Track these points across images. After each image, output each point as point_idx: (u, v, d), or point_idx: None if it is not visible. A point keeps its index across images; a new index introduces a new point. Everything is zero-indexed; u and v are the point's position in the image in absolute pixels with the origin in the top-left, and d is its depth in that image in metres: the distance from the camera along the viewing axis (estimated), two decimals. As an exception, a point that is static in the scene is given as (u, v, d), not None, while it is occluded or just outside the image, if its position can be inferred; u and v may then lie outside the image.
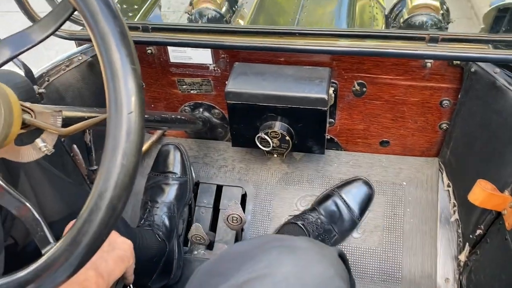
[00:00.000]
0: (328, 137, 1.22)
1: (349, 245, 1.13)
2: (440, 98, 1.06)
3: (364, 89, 1.08)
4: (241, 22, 1.62)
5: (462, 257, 1.02)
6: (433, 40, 0.89)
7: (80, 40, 1.08)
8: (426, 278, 1.07)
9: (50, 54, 2.49)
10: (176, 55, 1.13)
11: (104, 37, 0.44)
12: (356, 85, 1.08)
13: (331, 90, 1.02)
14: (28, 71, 0.88)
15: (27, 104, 0.55)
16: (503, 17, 1.06)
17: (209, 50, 1.09)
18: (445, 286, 1.05)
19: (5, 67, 0.55)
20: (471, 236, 0.98)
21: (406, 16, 1.36)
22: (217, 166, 1.28)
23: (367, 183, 1.16)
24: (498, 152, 0.89)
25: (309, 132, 1.07)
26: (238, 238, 1.16)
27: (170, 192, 1.13)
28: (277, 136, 1.06)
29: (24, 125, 0.54)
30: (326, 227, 1.08)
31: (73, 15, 0.49)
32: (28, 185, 0.72)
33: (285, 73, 1.04)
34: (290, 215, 1.16)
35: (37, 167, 0.75)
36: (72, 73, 1.05)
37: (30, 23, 0.51)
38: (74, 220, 0.45)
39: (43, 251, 0.46)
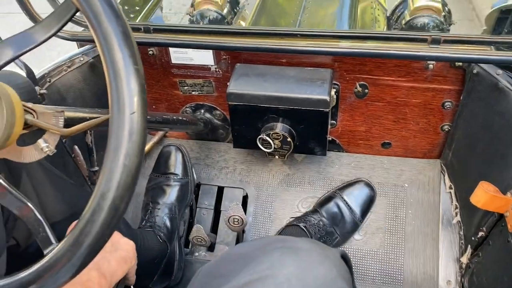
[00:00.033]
0: (330, 138, 1.22)
1: (351, 247, 1.13)
2: (442, 100, 1.06)
3: (366, 90, 1.08)
4: (243, 24, 1.62)
5: (464, 259, 1.02)
6: (435, 41, 0.89)
7: (81, 41, 1.08)
8: (428, 280, 1.06)
9: (52, 55, 2.49)
10: (178, 56, 1.13)
11: (107, 37, 0.44)
12: (358, 86, 1.08)
13: (333, 92, 1.02)
14: (29, 72, 0.88)
15: (29, 104, 0.55)
16: (505, 19, 1.06)
17: (211, 51, 1.09)
18: (447, 288, 1.05)
19: (7, 68, 0.54)
20: (473, 238, 0.97)
21: (407, 18, 1.36)
22: (218, 167, 1.28)
23: (368, 185, 1.15)
24: (501, 154, 0.89)
25: (310, 133, 1.07)
26: (239, 239, 1.16)
27: (172, 193, 1.13)
28: (279, 137, 1.06)
29: (26, 125, 0.54)
30: (328, 229, 1.08)
31: (75, 16, 0.49)
32: (30, 185, 0.72)
33: (287, 74, 1.04)
34: (292, 217, 1.16)
35: (39, 168, 0.75)
36: (73, 74, 1.05)
37: (32, 24, 0.51)
38: (76, 221, 0.45)
39: (45, 252, 0.46)
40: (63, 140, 0.99)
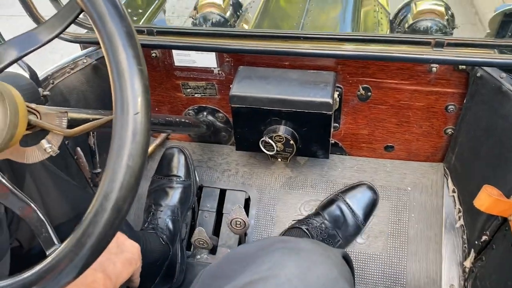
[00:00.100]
0: (333, 141, 1.22)
1: (353, 250, 1.12)
2: (445, 103, 1.06)
3: (369, 93, 1.08)
4: (246, 27, 1.62)
5: (467, 264, 1.01)
6: (439, 44, 0.89)
7: (85, 43, 1.09)
8: (431, 284, 1.06)
9: (54, 58, 2.50)
10: (181, 58, 1.13)
11: (111, 37, 0.44)
12: (361, 89, 1.08)
13: (335, 95, 1.02)
14: (33, 74, 0.88)
15: (33, 105, 0.55)
16: (509, 22, 1.06)
17: (214, 53, 1.09)
18: (450, 292, 1.04)
19: (10, 70, 0.55)
20: (476, 242, 0.97)
21: (410, 21, 1.36)
22: (220, 170, 1.28)
23: (371, 188, 1.15)
24: (504, 157, 0.89)
25: (313, 136, 1.07)
26: (241, 242, 1.16)
27: (174, 196, 1.13)
28: (281, 140, 1.06)
29: (30, 126, 0.54)
30: (331, 232, 1.08)
31: (78, 19, 0.49)
32: (33, 186, 0.72)
33: (290, 77, 1.04)
34: (294, 220, 1.15)
35: (43, 169, 0.75)
36: (76, 76, 1.05)
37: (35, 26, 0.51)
38: None
39: (47, 252, 0.46)
40: (66, 142, 0.99)
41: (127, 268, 0.70)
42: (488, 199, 0.79)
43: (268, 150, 1.09)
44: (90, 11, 0.45)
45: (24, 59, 0.56)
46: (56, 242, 0.47)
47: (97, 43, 1.04)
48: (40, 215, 0.48)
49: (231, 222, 1.03)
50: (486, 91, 0.93)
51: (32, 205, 0.49)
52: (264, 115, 1.04)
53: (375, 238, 1.13)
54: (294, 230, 1.09)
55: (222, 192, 1.25)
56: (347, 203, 1.12)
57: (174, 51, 1.12)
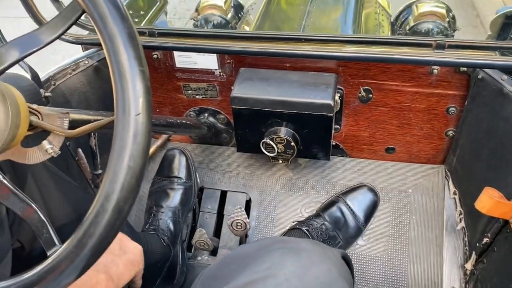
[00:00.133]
0: (334, 143, 1.22)
1: (354, 252, 1.12)
2: (446, 105, 1.06)
3: (370, 95, 1.08)
4: (247, 29, 1.62)
5: (469, 266, 1.01)
6: (440, 46, 0.89)
7: (86, 44, 1.09)
8: (432, 287, 1.06)
9: (56, 59, 2.50)
10: (182, 60, 1.13)
11: (113, 38, 0.44)
12: (362, 91, 1.08)
13: (337, 96, 1.02)
14: (34, 75, 0.89)
15: (34, 106, 0.55)
16: (510, 24, 1.06)
17: (215, 55, 1.10)
18: (451, 295, 1.04)
19: (12, 71, 0.55)
20: (477, 244, 0.97)
21: (412, 24, 1.36)
22: (221, 171, 1.28)
23: (372, 190, 1.15)
24: (505, 160, 0.89)
25: (314, 138, 1.07)
26: (242, 244, 1.15)
27: (175, 197, 1.13)
28: (282, 141, 1.06)
29: (31, 127, 0.54)
30: (331, 233, 1.08)
31: (80, 20, 0.49)
32: (35, 187, 0.72)
33: (291, 78, 1.04)
34: (295, 221, 1.15)
35: (44, 169, 0.75)
36: (78, 77, 1.05)
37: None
38: None
39: (48, 253, 0.46)
40: (67, 143, 0.99)
41: (130, 269, 0.70)
42: (489, 201, 0.79)
43: (269, 152, 1.09)
44: (92, 12, 0.45)
45: (26, 60, 0.56)
46: (57, 242, 0.47)
47: (99, 45, 1.04)
48: (41, 215, 0.49)
49: (232, 223, 1.03)
50: (487, 93, 0.93)
51: (33, 205, 0.49)
52: (265, 116, 1.05)
53: (376, 240, 1.13)
54: (294, 231, 1.09)
55: (223, 194, 1.25)
56: (347, 205, 1.12)
57: (175, 53, 1.12)
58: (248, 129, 1.09)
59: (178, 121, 1.10)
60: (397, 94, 1.06)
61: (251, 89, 1.03)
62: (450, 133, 1.11)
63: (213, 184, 1.26)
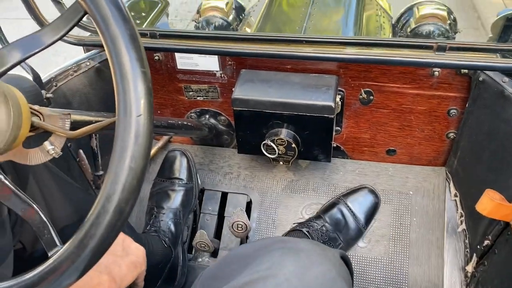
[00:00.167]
0: (334, 145, 1.22)
1: (355, 254, 1.12)
2: (447, 107, 1.06)
3: (371, 97, 1.08)
4: (248, 31, 1.62)
5: (470, 268, 1.01)
6: (441, 48, 0.89)
7: (88, 45, 1.09)
8: (433, 288, 1.06)
9: (58, 61, 2.51)
10: (183, 61, 1.13)
11: (115, 40, 0.44)
12: (363, 93, 1.08)
13: (338, 98, 1.02)
14: (36, 76, 0.89)
15: (36, 107, 0.55)
16: (511, 26, 1.06)
17: (216, 57, 1.10)
18: (452, 297, 1.04)
19: (14, 72, 0.55)
20: (478, 246, 0.97)
21: (413, 26, 1.36)
22: (222, 173, 1.28)
23: (373, 192, 1.15)
24: (507, 162, 0.89)
25: (315, 139, 1.07)
26: (242, 245, 1.16)
27: (176, 198, 1.13)
28: (283, 143, 1.06)
29: (33, 127, 0.54)
30: (331, 235, 1.08)
31: (82, 22, 0.50)
32: (37, 188, 0.73)
33: (292, 80, 1.04)
34: (295, 223, 1.15)
35: (46, 170, 0.76)
36: (79, 79, 1.05)
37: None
38: None
39: (49, 254, 0.46)
40: (68, 144, 1.00)
41: (132, 271, 0.70)
42: (490, 203, 0.78)
43: (270, 153, 1.09)
44: (94, 14, 0.45)
45: (28, 61, 0.56)
46: (58, 243, 0.47)
47: (100, 46, 1.04)
48: (42, 216, 0.49)
49: (232, 225, 1.03)
50: (488, 95, 0.93)
51: (35, 206, 0.49)
52: (266, 118, 1.05)
53: (377, 242, 1.12)
54: (295, 232, 1.09)
55: (224, 195, 1.25)
56: (348, 207, 1.12)
57: (177, 54, 1.12)
58: (249, 130, 1.09)
59: (179, 122, 1.11)
60: (398, 96, 1.06)
61: (252, 90, 1.03)
62: (451, 135, 1.11)
63: (214, 186, 1.26)
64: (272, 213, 1.20)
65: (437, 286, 1.05)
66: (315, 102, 0.99)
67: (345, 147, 1.23)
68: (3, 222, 0.63)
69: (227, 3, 1.62)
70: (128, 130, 0.43)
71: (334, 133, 1.09)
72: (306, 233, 1.06)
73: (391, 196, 1.18)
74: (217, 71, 1.13)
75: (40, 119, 0.54)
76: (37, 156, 0.54)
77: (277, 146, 1.07)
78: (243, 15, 1.68)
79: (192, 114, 1.26)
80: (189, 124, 1.15)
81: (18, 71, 0.66)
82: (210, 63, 1.12)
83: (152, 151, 1.31)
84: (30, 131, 0.53)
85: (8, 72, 0.50)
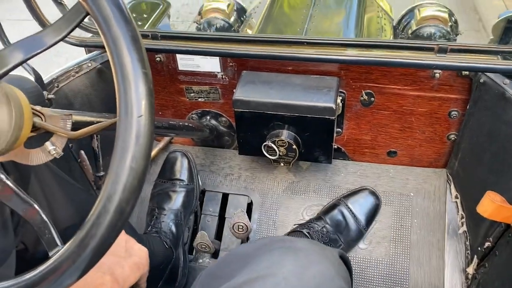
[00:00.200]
0: (335, 146, 1.22)
1: (356, 255, 1.12)
2: (448, 109, 1.06)
3: (372, 99, 1.08)
4: (249, 32, 1.63)
5: (470, 270, 1.01)
6: (442, 50, 0.89)
7: (89, 46, 1.10)
8: (434, 290, 1.06)
9: (59, 62, 2.51)
10: (185, 63, 1.13)
11: (116, 41, 0.45)
12: (364, 94, 1.08)
13: (339, 100, 1.02)
14: (38, 77, 0.89)
15: (37, 107, 0.55)
16: (512, 28, 1.06)
17: (217, 58, 1.10)
18: (453, 299, 1.04)
19: (16, 72, 0.55)
20: (479, 248, 0.97)
21: (414, 28, 1.36)
22: (223, 174, 1.28)
23: (374, 193, 1.15)
24: (507, 164, 0.89)
25: (316, 141, 1.07)
26: (243, 246, 1.16)
27: (177, 199, 1.13)
28: (284, 144, 1.06)
29: (34, 128, 0.54)
30: (332, 236, 1.08)
31: (83, 23, 0.50)
32: (38, 188, 0.73)
33: (293, 82, 1.05)
34: (296, 224, 1.15)
35: (47, 170, 0.76)
36: (81, 80, 1.06)
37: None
38: None
39: (50, 254, 0.46)
40: (70, 145, 1.00)
41: (135, 272, 0.70)
42: (491, 205, 0.78)
43: (270, 155, 1.09)
44: (95, 15, 0.46)
45: (29, 62, 0.56)
46: (59, 243, 0.48)
47: (102, 47, 1.05)
48: (44, 216, 0.49)
49: (233, 226, 1.03)
50: (489, 97, 0.93)
51: (36, 206, 0.49)
52: (267, 119, 1.05)
53: (378, 243, 1.12)
54: (295, 233, 1.09)
55: (225, 196, 1.25)
56: (349, 208, 1.12)
57: (178, 56, 1.12)
58: (250, 132, 1.09)
59: (181, 123, 1.11)
60: (399, 97, 1.07)
61: (253, 92, 1.04)
62: (452, 137, 1.11)
63: (215, 187, 1.26)
64: (272, 214, 1.20)
65: (438, 288, 1.05)
66: (316, 104, 0.99)
67: (346, 149, 1.23)
68: (5, 222, 0.63)
69: (228, 5, 1.63)
70: (129, 130, 0.44)
71: (335, 134, 1.09)
72: (307, 234, 1.06)
73: (392, 197, 1.18)
74: (218, 72, 1.13)
75: (42, 120, 0.55)
76: (38, 157, 0.54)
77: (278, 148, 1.07)
78: (245, 16, 1.69)
79: (193, 115, 1.26)
80: (190, 125, 1.15)
81: (20, 71, 0.66)
82: (212, 65, 1.12)
83: (153, 152, 1.31)
84: (31, 131, 0.53)
85: (10, 73, 0.50)
